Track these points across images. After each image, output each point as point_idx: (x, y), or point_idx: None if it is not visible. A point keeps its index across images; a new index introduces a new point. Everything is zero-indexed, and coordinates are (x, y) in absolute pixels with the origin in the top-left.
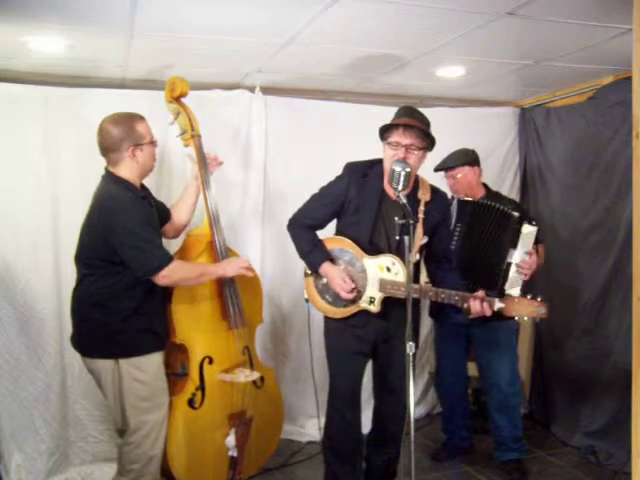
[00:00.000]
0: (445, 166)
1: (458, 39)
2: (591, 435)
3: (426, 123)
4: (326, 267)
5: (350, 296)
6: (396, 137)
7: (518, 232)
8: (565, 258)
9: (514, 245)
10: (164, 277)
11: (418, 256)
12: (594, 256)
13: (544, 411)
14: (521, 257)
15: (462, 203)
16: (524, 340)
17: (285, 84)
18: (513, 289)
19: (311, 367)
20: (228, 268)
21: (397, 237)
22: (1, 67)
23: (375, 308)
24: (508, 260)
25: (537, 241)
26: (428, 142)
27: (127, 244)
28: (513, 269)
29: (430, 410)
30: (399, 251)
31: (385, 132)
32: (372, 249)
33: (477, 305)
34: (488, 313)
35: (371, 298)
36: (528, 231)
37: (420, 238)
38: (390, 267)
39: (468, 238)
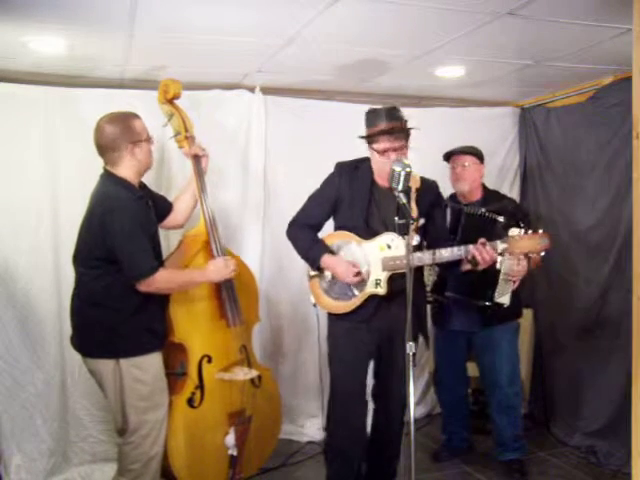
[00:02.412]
0: (458, 150)
1: (458, 39)
2: (591, 435)
3: (403, 117)
4: (326, 258)
5: (356, 279)
6: (386, 143)
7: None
8: (565, 258)
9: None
10: (147, 285)
11: (418, 238)
12: (594, 256)
13: (544, 411)
14: (509, 263)
15: (454, 209)
16: (524, 340)
17: (285, 84)
18: (502, 297)
19: (319, 370)
20: (212, 275)
21: (396, 218)
22: (1, 67)
23: (382, 290)
24: (497, 267)
25: None
26: (407, 135)
27: (119, 246)
28: (502, 276)
29: (430, 410)
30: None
31: (370, 136)
32: (370, 234)
33: (482, 252)
34: (494, 256)
35: (377, 280)
36: (514, 234)
37: (415, 212)
38: (390, 244)
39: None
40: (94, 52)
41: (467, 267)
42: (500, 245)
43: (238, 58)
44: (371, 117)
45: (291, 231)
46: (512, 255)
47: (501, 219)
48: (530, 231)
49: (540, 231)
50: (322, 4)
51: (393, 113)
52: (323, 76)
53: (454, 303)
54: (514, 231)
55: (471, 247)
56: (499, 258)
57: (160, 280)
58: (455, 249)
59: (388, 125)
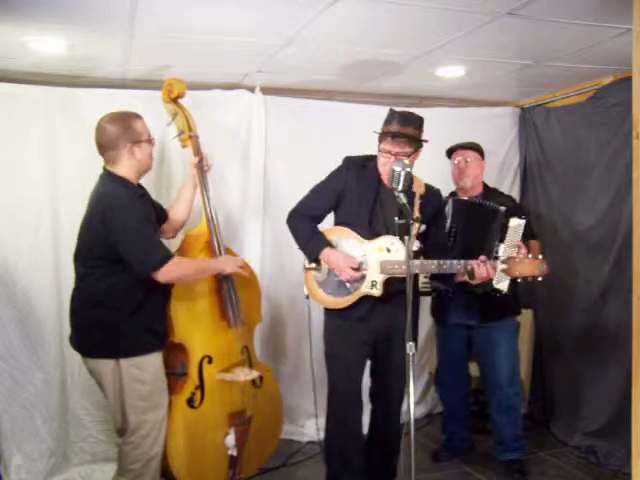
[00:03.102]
0: (460, 145)
1: (458, 39)
2: (591, 435)
3: (417, 125)
4: (327, 251)
5: (356, 274)
6: (386, 145)
7: (505, 226)
8: (565, 258)
9: (501, 239)
10: (164, 274)
11: (418, 243)
12: (594, 256)
13: (544, 411)
14: (508, 252)
15: (456, 203)
16: (524, 340)
17: (285, 84)
18: (501, 283)
19: (311, 367)
20: (227, 265)
21: (396, 218)
22: (1, 67)
23: (378, 292)
24: (495, 255)
25: (533, 236)
26: (418, 143)
27: (127, 242)
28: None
29: (430, 410)
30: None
31: (379, 136)
32: (371, 234)
33: (481, 268)
34: (492, 275)
35: (373, 282)
36: (515, 224)
37: (416, 214)
38: (390, 247)
39: (462, 237)
40: (94, 52)
41: (464, 278)
42: (500, 265)
43: (238, 58)
44: (388, 116)
45: (291, 220)
46: (510, 276)
47: (503, 208)
48: (530, 255)
49: (540, 257)
50: (322, 4)
51: (405, 119)
52: (323, 76)
53: (453, 293)
54: (514, 221)
55: (473, 263)
56: (498, 245)
57: (177, 267)
58: (455, 262)
59: (396, 129)
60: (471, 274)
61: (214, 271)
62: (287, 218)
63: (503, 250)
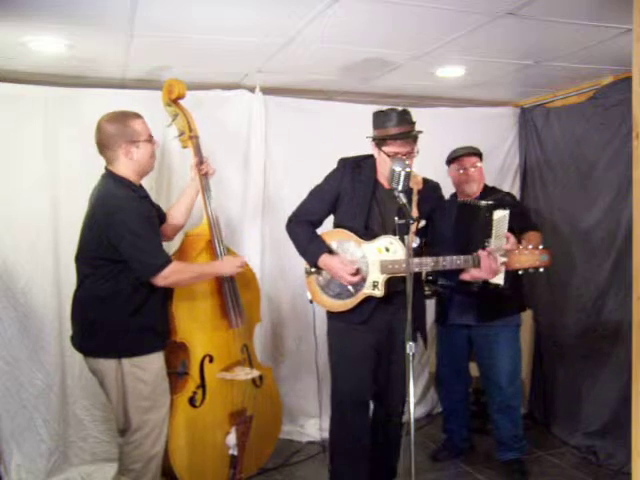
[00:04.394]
0: (466, 152)
1: (458, 39)
2: (591, 435)
3: (412, 120)
4: (325, 258)
5: (354, 279)
6: (394, 148)
7: (490, 220)
8: (565, 258)
9: (489, 234)
10: (163, 278)
11: (418, 240)
12: (594, 256)
13: (544, 411)
14: (498, 245)
15: (452, 204)
16: (524, 340)
17: (285, 84)
18: (496, 277)
19: (316, 367)
20: (225, 268)
21: (396, 218)
22: (1, 67)
23: (379, 292)
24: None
25: (534, 227)
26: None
27: (128, 244)
28: None
29: (430, 410)
30: (396, 234)
31: (380, 139)
32: (369, 235)
33: (485, 260)
34: (498, 268)
35: (374, 282)
36: (499, 216)
37: (416, 213)
38: (389, 247)
39: (454, 238)
40: (94, 52)
41: (466, 277)
42: (500, 259)
43: (238, 58)
44: (381, 119)
45: (290, 226)
46: (511, 270)
47: (484, 203)
48: (530, 246)
49: (541, 247)
50: (322, 4)
51: (404, 117)
52: (323, 76)
53: (452, 293)
54: (498, 213)
55: (470, 257)
56: (487, 241)
57: (176, 271)
58: (454, 258)
59: (399, 129)
60: (476, 262)
61: (213, 275)
62: (286, 224)
63: (493, 244)
